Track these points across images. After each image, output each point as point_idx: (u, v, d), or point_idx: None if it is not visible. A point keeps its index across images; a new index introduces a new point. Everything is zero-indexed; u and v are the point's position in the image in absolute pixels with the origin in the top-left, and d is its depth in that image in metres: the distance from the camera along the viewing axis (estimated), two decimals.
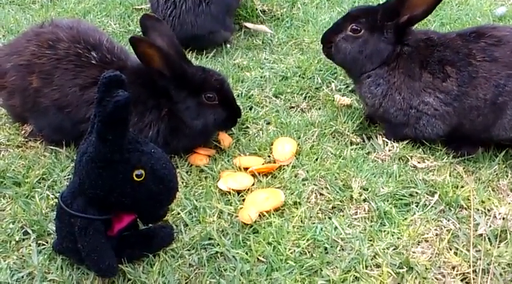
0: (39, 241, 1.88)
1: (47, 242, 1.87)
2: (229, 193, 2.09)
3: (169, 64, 2.12)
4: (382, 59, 2.28)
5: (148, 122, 2.18)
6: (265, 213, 1.98)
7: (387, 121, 2.37)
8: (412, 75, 2.24)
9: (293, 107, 2.69)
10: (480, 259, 1.80)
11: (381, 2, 2.30)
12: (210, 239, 1.89)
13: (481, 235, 1.91)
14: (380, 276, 1.75)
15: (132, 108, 2.08)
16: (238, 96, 2.71)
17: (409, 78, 2.25)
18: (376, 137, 2.42)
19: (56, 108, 2.20)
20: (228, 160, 2.29)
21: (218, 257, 1.83)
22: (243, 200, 2.06)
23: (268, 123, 2.55)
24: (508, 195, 2.11)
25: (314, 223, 1.97)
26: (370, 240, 1.89)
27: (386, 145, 2.37)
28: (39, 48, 2.23)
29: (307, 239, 1.88)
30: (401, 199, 2.07)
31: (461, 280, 1.76)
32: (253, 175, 2.19)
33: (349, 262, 1.79)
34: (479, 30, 2.28)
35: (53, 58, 2.20)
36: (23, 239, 1.90)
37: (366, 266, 1.78)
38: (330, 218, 1.99)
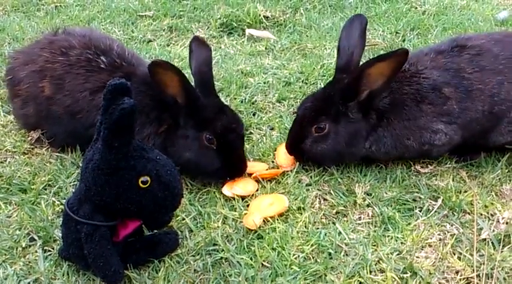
0: (45, 247, 1.90)
1: (53, 249, 1.89)
2: (234, 198, 2.10)
3: (185, 91, 2.04)
4: (363, 137, 2.15)
5: (147, 134, 2.14)
6: (269, 219, 1.99)
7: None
8: (412, 116, 2.13)
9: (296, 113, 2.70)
10: (484, 263, 1.80)
11: (330, 84, 2.22)
12: (214, 244, 1.90)
13: (484, 239, 1.91)
14: (384, 281, 1.75)
15: (137, 118, 2.07)
16: (241, 101, 2.73)
17: (409, 121, 2.14)
18: None
19: (69, 115, 2.22)
20: None
21: (223, 263, 1.84)
22: (247, 206, 2.08)
23: (272, 129, 2.56)
24: None
25: (318, 228, 1.98)
26: (374, 245, 1.90)
27: None
28: (52, 55, 2.27)
29: (311, 245, 1.89)
30: (405, 204, 2.08)
31: None
32: (257, 181, 2.20)
33: (353, 267, 1.80)
34: (458, 42, 2.23)
35: (65, 64, 2.24)
36: (29, 246, 1.91)
37: (370, 272, 1.79)
38: (333, 223, 2.00)
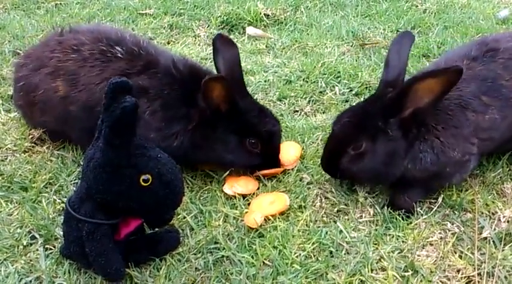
0: (46, 246, 1.90)
1: (55, 247, 1.89)
2: (235, 197, 2.10)
3: (230, 100, 2.02)
4: (402, 157, 1.94)
5: (175, 132, 2.08)
6: (270, 217, 1.99)
7: (429, 180, 2.04)
8: (457, 124, 1.95)
9: (297, 111, 2.71)
10: (485, 262, 1.81)
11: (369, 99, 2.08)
12: (216, 243, 1.90)
13: (485, 238, 1.91)
14: (385, 279, 1.76)
15: (162, 112, 2.05)
16: None
17: (455, 128, 1.95)
18: None
19: (87, 111, 2.11)
20: None
21: (224, 261, 1.84)
22: (248, 204, 2.08)
23: None
24: None
25: (319, 226, 1.98)
26: (375, 244, 1.90)
27: None
28: (64, 54, 2.19)
29: (313, 243, 1.89)
30: None
31: (466, 283, 1.77)
32: (258, 179, 2.20)
33: (354, 265, 1.80)
34: (490, 45, 2.10)
35: (78, 59, 2.16)
36: (31, 244, 1.91)
37: (371, 270, 1.79)
38: (335, 221, 2.00)
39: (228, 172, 2.21)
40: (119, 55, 2.15)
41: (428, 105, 1.87)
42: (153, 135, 2.04)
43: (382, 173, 1.98)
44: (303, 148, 2.36)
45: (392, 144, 1.93)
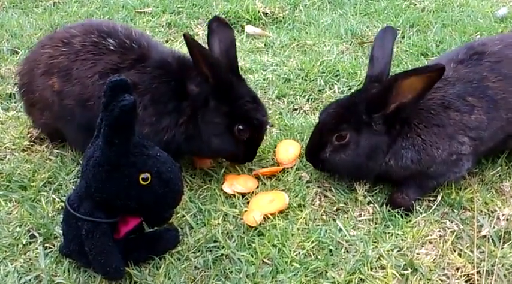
0: (46, 244, 1.90)
1: (54, 246, 1.89)
2: (234, 195, 2.10)
3: (215, 72, 1.96)
4: (384, 152, 2.00)
5: (165, 126, 2.04)
6: (269, 216, 1.99)
7: (420, 178, 2.07)
8: (439, 123, 1.98)
9: (296, 109, 2.70)
10: (484, 260, 1.81)
11: (356, 92, 2.14)
12: (215, 241, 1.90)
13: (484, 236, 1.91)
14: (385, 278, 1.76)
15: (152, 107, 2.02)
16: None
17: (437, 127, 1.98)
18: None
19: (80, 105, 2.08)
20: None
21: (223, 260, 1.84)
22: (248, 203, 2.07)
23: (272, 126, 2.56)
24: None
25: (318, 225, 1.98)
26: (375, 242, 1.90)
27: None
28: (55, 49, 2.14)
29: (312, 242, 1.89)
30: None
31: (466, 281, 1.77)
32: (258, 178, 2.20)
33: (353, 263, 1.80)
34: (476, 49, 2.13)
35: (69, 53, 2.11)
36: (30, 243, 1.91)
37: (371, 268, 1.79)
38: (334, 220, 2.00)
39: (227, 171, 2.21)
40: (111, 47, 2.09)
41: (412, 101, 1.90)
42: (147, 130, 2.02)
43: (363, 166, 2.02)
44: (302, 147, 2.36)
45: (375, 138, 1.98)
